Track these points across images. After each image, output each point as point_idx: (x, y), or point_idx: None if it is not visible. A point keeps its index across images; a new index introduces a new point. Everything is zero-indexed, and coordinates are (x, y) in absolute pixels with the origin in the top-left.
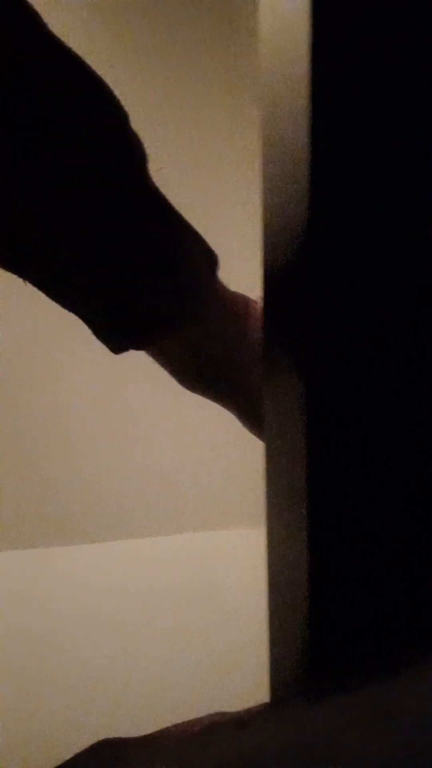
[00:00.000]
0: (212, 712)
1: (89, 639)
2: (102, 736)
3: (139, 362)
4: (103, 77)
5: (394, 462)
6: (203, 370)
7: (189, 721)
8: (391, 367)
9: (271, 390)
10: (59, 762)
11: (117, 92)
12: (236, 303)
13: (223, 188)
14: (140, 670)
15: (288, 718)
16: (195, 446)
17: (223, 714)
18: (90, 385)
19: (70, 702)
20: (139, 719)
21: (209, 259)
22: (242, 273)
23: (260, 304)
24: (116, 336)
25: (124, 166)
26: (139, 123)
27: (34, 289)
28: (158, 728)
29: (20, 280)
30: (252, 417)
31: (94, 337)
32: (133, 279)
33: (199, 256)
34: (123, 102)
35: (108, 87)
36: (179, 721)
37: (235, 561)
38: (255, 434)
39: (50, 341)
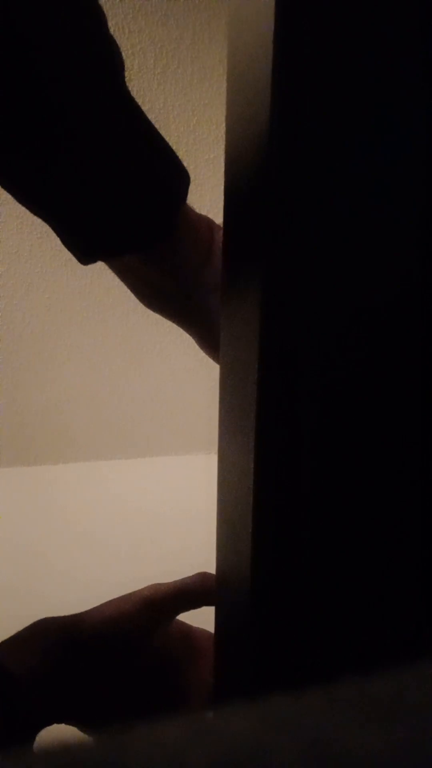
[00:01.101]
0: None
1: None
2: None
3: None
4: None
5: (341, 386)
6: (165, 290)
7: (126, 595)
8: (348, 292)
9: (229, 315)
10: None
11: None
12: (200, 225)
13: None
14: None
15: (305, 707)
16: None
17: (159, 584)
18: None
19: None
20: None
21: (180, 177)
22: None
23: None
24: (84, 246)
25: (100, 71)
26: (115, 29)
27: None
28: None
29: None
30: (211, 341)
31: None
32: (103, 188)
33: (171, 173)
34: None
35: None
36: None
37: (193, 481)
38: (213, 359)
39: (44, 274)
